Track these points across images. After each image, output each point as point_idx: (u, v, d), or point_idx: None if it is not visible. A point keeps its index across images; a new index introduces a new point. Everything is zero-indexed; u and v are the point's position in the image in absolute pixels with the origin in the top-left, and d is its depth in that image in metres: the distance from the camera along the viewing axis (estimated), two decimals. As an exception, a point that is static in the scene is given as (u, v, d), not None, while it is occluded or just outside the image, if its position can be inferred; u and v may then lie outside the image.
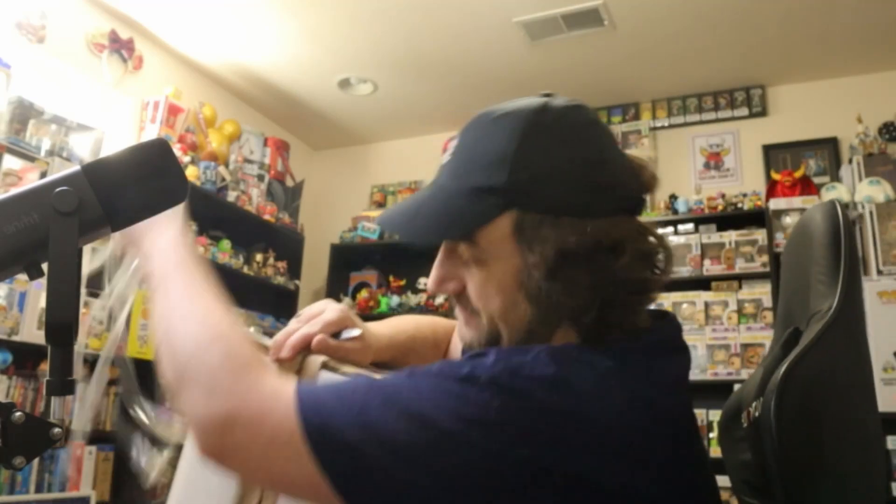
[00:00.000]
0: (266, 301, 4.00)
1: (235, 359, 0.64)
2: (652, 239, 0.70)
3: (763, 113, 3.91)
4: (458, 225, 0.69)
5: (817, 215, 0.75)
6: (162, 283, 0.72)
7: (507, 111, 0.70)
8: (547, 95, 0.71)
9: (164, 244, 0.74)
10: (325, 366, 0.78)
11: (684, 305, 3.52)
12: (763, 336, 3.34)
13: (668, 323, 0.72)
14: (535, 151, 0.67)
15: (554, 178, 0.66)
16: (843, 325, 0.68)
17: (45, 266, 0.55)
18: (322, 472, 0.57)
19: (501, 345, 0.70)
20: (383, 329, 0.91)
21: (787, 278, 0.85)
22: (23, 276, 0.56)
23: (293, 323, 0.85)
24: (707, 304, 3.48)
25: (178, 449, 0.79)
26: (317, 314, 0.84)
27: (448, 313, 3.92)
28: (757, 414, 0.69)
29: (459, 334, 0.76)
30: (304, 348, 0.80)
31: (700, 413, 3.32)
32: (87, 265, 0.75)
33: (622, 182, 0.69)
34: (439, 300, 4.01)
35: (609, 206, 0.67)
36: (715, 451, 3.27)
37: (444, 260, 0.74)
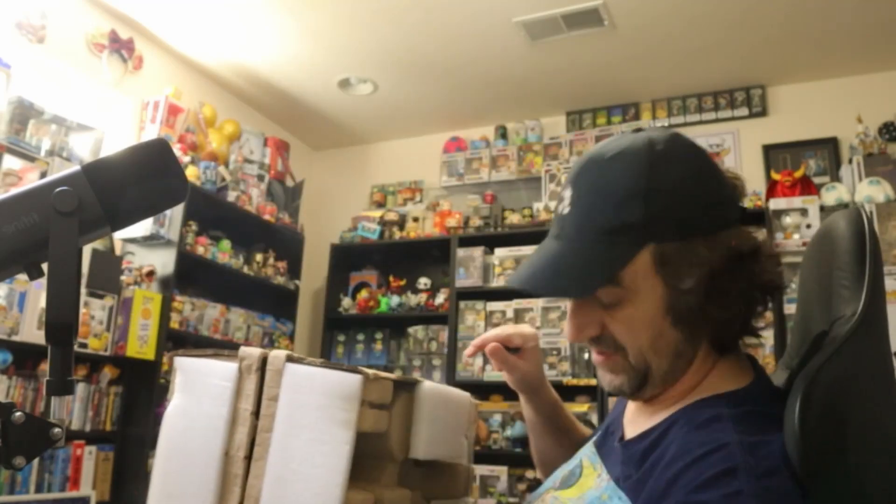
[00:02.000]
0: (266, 301, 4.01)
1: None
2: (761, 237, 0.74)
3: (763, 113, 3.92)
4: (602, 272, 0.70)
5: (841, 221, 0.75)
6: None
7: (619, 150, 0.72)
8: (637, 130, 0.75)
9: None
10: (290, 358, 0.81)
11: (684, 305, 3.52)
12: (763, 336, 3.34)
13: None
14: (663, 182, 0.69)
15: (683, 203, 0.69)
16: (868, 330, 0.68)
17: (45, 266, 0.55)
18: None
19: (651, 376, 0.73)
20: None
21: (807, 283, 0.85)
22: (23, 276, 0.56)
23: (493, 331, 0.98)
24: (707, 304, 3.48)
25: None
26: (511, 329, 0.97)
27: (448, 313, 3.92)
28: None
29: (604, 383, 0.77)
30: (481, 349, 0.95)
31: (700, 413, 3.31)
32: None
33: (730, 194, 0.73)
34: (439, 300, 4.01)
35: (728, 218, 0.72)
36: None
37: (579, 307, 0.75)
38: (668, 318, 0.70)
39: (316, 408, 0.77)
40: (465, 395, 0.94)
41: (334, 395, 0.77)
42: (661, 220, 0.69)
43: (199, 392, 0.86)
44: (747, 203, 3.55)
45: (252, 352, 0.83)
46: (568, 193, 0.74)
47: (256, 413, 0.82)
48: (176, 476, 0.85)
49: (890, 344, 0.72)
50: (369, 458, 0.80)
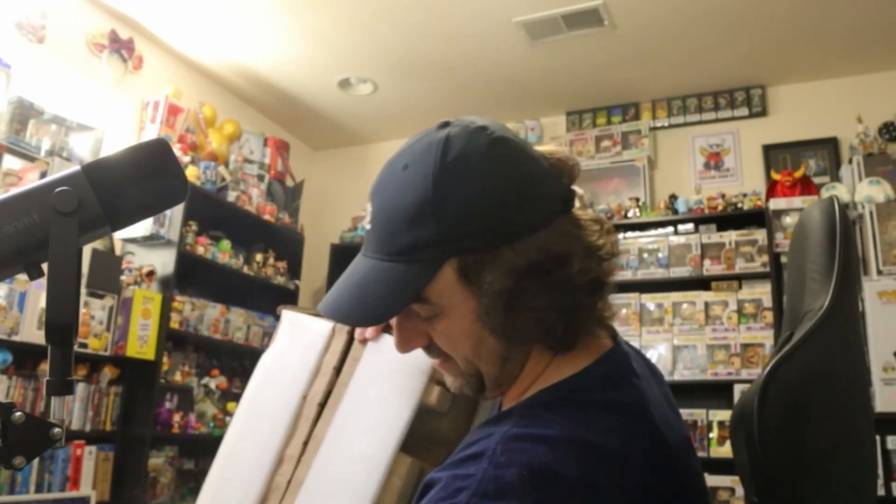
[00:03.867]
0: (266, 301, 4.00)
1: None
2: (593, 227, 0.69)
3: (763, 113, 3.92)
4: (405, 295, 0.67)
5: (815, 212, 0.73)
6: None
7: (412, 159, 0.68)
8: (444, 126, 0.70)
9: None
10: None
11: (684, 305, 3.52)
12: (763, 336, 3.35)
13: (614, 354, 0.72)
14: (451, 194, 0.64)
15: (478, 213, 0.64)
16: (834, 325, 0.66)
17: (45, 266, 0.55)
18: None
19: (485, 379, 0.71)
20: None
21: (789, 279, 0.84)
22: (23, 276, 0.56)
23: None
24: (707, 304, 3.48)
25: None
26: None
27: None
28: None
29: (449, 385, 0.76)
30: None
31: (700, 413, 3.32)
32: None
33: (546, 189, 0.68)
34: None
35: (541, 216, 0.66)
36: (716, 452, 3.27)
37: (403, 322, 0.72)
38: (484, 327, 0.68)
39: (389, 374, 0.87)
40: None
41: (409, 364, 0.85)
42: (457, 234, 0.64)
43: (296, 342, 0.98)
44: (747, 203, 3.57)
45: None
46: (369, 208, 0.71)
47: (339, 369, 0.93)
48: (257, 412, 0.96)
49: (860, 337, 0.71)
50: (425, 439, 0.87)
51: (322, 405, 0.91)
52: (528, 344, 0.70)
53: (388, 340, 0.85)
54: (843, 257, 0.68)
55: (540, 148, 0.71)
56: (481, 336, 0.68)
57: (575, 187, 0.71)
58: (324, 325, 0.95)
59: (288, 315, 1.01)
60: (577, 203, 0.69)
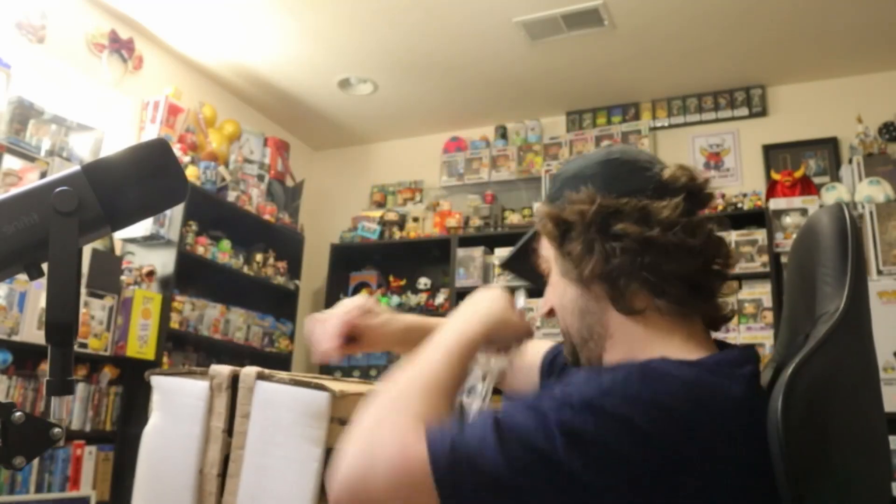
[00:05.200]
0: (266, 301, 4.01)
1: (387, 411, 0.67)
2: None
3: (763, 113, 3.91)
4: (525, 243, 0.93)
5: (824, 217, 0.75)
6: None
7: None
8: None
9: (454, 322, 0.80)
10: (260, 376, 0.82)
11: (684, 305, 3.52)
12: (763, 336, 3.34)
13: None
14: (565, 169, 0.85)
15: (568, 179, 0.82)
16: (850, 327, 0.68)
17: (45, 266, 0.55)
18: None
19: (573, 338, 0.81)
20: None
21: (793, 281, 0.85)
22: (23, 276, 0.56)
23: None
24: (707, 304, 3.47)
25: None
26: (334, 325, 0.94)
27: (448, 313, 3.93)
28: None
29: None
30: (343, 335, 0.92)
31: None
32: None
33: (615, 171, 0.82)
34: (439, 300, 4.01)
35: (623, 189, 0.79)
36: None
37: (546, 289, 0.85)
38: (563, 277, 0.79)
39: (286, 425, 0.79)
40: None
41: (303, 413, 0.78)
42: (552, 193, 0.82)
43: (174, 411, 0.88)
44: (747, 203, 3.57)
45: (222, 370, 0.84)
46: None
47: (230, 431, 0.83)
48: (154, 494, 0.87)
49: (873, 340, 0.72)
50: None
51: (223, 475, 0.82)
52: (603, 298, 0.79)
53: (271, 390, 0.80)
54: (855, 261, 0.70)
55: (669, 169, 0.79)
56: (563, 286, 0.83)
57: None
58: (200, 387, 0.85)
59: (158, 382, 0.91)
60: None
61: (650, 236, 0.72)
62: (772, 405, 0.64)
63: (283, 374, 0.82)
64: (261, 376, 0.81)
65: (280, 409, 0.79)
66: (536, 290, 0.92)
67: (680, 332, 0.74)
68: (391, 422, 0.65)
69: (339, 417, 0.78)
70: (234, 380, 0.84)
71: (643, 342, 0.74)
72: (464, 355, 0.75)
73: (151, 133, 3.50)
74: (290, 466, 0.77)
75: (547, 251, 0.83)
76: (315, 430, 0.77)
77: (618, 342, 0.76)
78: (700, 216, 0.75)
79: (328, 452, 0.76)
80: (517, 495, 0.59)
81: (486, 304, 0.82)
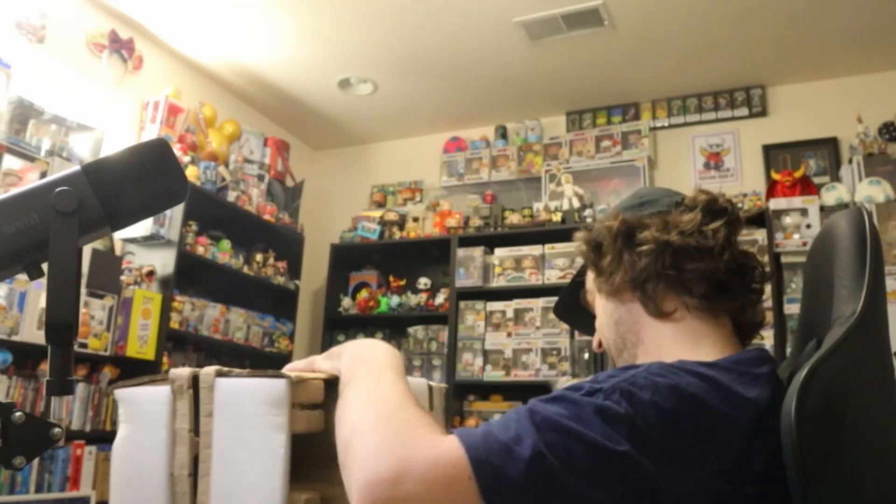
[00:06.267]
0: (266, 301, 4.00)
1: (398, 420, 0.67)
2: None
3: (763, 113, 3.92)
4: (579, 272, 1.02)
5: (842, 221, 0.75)
6: (351, 382, 0.76)
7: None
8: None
9: (367, 355, 0.80)
10: (219, 373, 0.83)
11: (684, 305, 3.52)
12: (763, 336, 3.34)
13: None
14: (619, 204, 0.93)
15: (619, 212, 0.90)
16: (867, 330, 0.68)
17: (45, 266, 0.55)
18: None
19: (610, 353, 0.87)
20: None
21: (810, 284, 0.85)
22: (23, 276, 0.56)
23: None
24: (707, 304, 3.47)
25: None
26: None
27: (448, 313, 3.92)
28: None
29: None
30: None
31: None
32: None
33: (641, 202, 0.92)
34: (439, 300, 4.01)
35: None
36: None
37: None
38: (601, 293, 0.86)
39: (250, 417, 0.80)
40: (421, 382, 0.94)
41: (264, 402, 0.79)
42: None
43: (139, 419, 0.90)
44: (747, 203, 3.57)
45: (181, 373, 0.86)
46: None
47: (196, 431, 0.84)
48: (129, 503, 0.88)
49: (889, 343, 0.72)
50: (318, 457, 0.82)
51: (194, 475, 0.84)
52: (636, 308, 0.86)
53: (230, 385, 0.81)
54: (874, 265, 0.70)
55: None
56: (601, 302, 0.90)
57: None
58: (161, 392, 0.87)
59: (121, 394, 0.93)
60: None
61: (669, 240, 0.79)
62: (785, 406, 0.64)
63: (240, 370, 0.84)
64: (220, 374, 0.83)
65: (242, 403, 0.81)
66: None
67: (707, 336, 0.78)
68: (407, 424, 0.65)
69: (299, 403, 0.80)
70: (196, 381, 0.85)
71: (670, 344, 0.78)
72: (401, 371, 0.77)
73: (151, 133, 3.50)
74: (259, 456, 0.79)
75: (590, 283, 0.89)
76: (277, 417, 0.79)
77: (648, 348, 0.81)
78: (716, 223, 0.81)
79: (292, 438, 0.78)
80: (557, 479, 0.59)
81: (361, 347, 0.83)
